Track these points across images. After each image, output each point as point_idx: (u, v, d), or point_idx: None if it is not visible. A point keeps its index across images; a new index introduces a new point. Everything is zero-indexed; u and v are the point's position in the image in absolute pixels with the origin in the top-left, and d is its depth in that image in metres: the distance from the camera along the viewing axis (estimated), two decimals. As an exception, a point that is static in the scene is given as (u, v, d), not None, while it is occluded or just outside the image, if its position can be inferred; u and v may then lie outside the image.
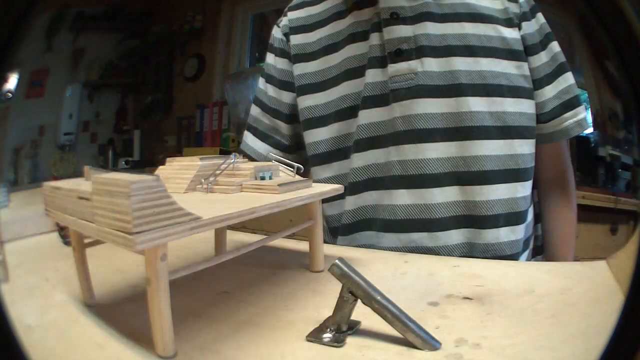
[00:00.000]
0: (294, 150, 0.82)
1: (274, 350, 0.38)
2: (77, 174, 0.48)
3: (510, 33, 0.68)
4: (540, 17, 0.72)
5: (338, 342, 0.38)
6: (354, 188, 0.71)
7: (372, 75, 0.68)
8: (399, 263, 0.60)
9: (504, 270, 0.56)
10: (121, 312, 0.45)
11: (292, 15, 0.80)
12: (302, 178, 0.57)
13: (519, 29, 0.69)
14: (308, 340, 0.39)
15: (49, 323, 0.43)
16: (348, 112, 0.71)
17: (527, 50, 0.69)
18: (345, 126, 0.72)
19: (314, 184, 0.57)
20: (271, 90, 0.81)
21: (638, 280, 0.27)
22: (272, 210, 0.45)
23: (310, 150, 0.76)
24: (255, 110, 0.84)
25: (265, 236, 0.55)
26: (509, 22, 0.68)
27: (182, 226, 0.36)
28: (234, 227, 0.65)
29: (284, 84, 0.79)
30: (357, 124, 0.70)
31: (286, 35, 0.79)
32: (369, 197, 0.71)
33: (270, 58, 0.82)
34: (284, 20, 0.81)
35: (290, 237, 0.64)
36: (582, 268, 0.56)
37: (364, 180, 0.70)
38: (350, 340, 0.39)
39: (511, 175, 0.66)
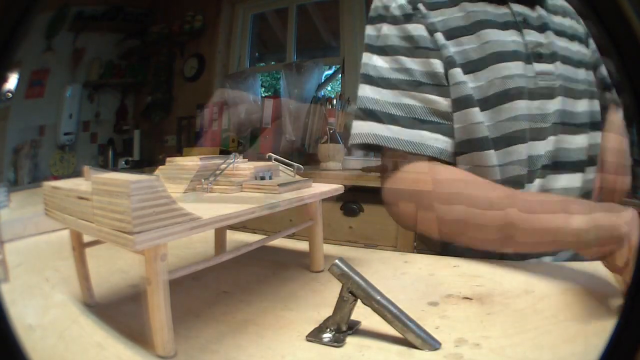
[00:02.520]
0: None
1: (274, 349, 0.38)
2: (77, 173, 0.48)
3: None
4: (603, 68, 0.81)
5: (338, 342, 0.38)
6: (532, 176, 0.70)
7: (522, 68, 0.69)
8: (398, 263, 0.60)
9: (504, 270, 0.56)
10: (121, 312, 0.45)
11: None
12: (302, 178, 0.57)
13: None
14: (308, 340, 0.39)
15: (49, 323, 0.43)
16: (495, 100, 0.67)
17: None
18: (496, 114, 0.67)
19: (314, 184, 0.57)
20: (410, 63, 0.69)
21: (638, 280, 0.27)
22: (271, 210, 0.45)
23: (471, 134, 0.67)
24: (387, 97, 0.68)
25: (265, 236, 0.55)
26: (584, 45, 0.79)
27: (182, 226, 0.36)
28: (234, 227, 0.65)
29: (425, 53, 0.69)
30: (517, 114, 0.68)
31: (410, 3, 0.72)
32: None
33: (391, 30, 0.71)
34: None
35: (290, 236, 0.64)
36: (582, 268, 0.56)
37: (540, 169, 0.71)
38: (350, 340, 0.39)
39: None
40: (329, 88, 2.74)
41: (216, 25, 2.87)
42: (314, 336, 0.39)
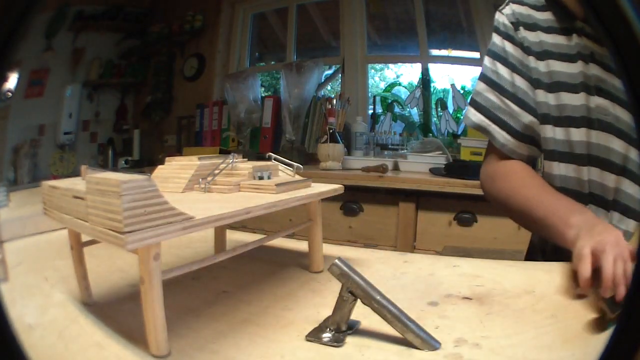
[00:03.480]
0: (526, 141, 0.81)
1: (274, 349, 0.38)
2: (77, 173, 0.48)
3: None
4: None
5: (338, 341, 0.38)
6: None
7: (582, 98, 0.74)
8: (398, 263, 0.60)
9: (504, 270, 0.56)
10: (120, 311, 0.45)
11: (515, 8, 0.84)
12: (301, 178, 0.57)
13: None
14: (308, 340, 0.39)
15: (48, 322, 0.43)
16: (567, 121, 0.76)
17: None
18: (566, 133, 0.76)
19: (313, 184, 0.57)
20: (502, 70, 0.83)
21: (638, 280, 0.27)
22: (267, 210, 0.45)
23: (548, 145, 0.79)
24: (480, 86, 0.86)
25: (264, 236, 0.54)
26: None
27: (174, 226, 0.35)
28: (234, 227, 0.65)
29: (515, 68, 0.82)
30: (569, 139, 0.75)
31: (513, 24, 0.83)
32: None
33: (497, 39, 0.85)
34: (507, 9, 0.84)
35: (290, 236, 0.64)
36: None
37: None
38: (349, 340, 0.39)
39: None
40: (329, 88, 2.74)
41: (216, 25, 2.87)
42: (314, 336, 0.39)
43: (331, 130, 1.97)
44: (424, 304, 0.45)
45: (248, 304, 0.47)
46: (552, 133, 0.77)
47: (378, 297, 0.38)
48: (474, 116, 0.84)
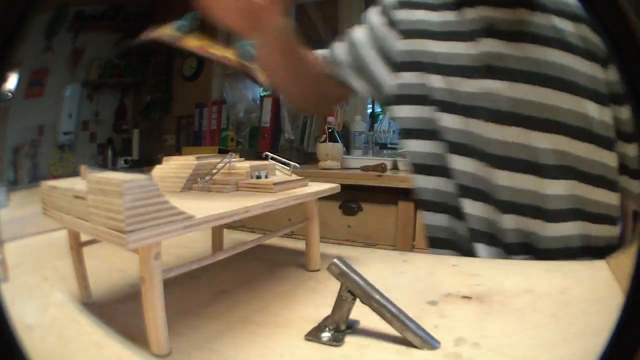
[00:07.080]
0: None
1: (273, 349, 0.38)
2: (77, 173, 0.48)
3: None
4: None
5: (337, 341, 0.38)
6: None
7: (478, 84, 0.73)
8: (397, 262, 0.60)
9: (504, 270, 0.56)
10: (120, 311, 0.45)
11: None
12: (298, 177, 0.57)
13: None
14: (307, 339, 0.39)
15: (48, 322, 0.43)
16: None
17: None
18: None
19: (311, 183, 0.57)
20: (360, 35, 0.84)
21: (638, 280, 0.27)
22: (266, 209, 0.45)
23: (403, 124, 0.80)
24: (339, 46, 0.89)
25: (261, 235, 0.55)
26: None
27: (175, 225, 0.36)
28: (232, 226, 0.65)
29: (376, 41, 0.83)
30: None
31: (401, 3, 0.82)
32: None
33: (374, 11, 0.85)
34: None
35: (290, 236, 0.64)
36: (581, 268, 0.56)
37: None
38: (349, 339, 0.39)
39: None
40: (328, 87, 2.75)
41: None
42: (313, 335, 0.39)
43: (330, 130, 1.97)
44: (423, 303, 0.45)
45: (247, 303, 0.47)
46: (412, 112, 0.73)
47: (377, 297, 0.38)
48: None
